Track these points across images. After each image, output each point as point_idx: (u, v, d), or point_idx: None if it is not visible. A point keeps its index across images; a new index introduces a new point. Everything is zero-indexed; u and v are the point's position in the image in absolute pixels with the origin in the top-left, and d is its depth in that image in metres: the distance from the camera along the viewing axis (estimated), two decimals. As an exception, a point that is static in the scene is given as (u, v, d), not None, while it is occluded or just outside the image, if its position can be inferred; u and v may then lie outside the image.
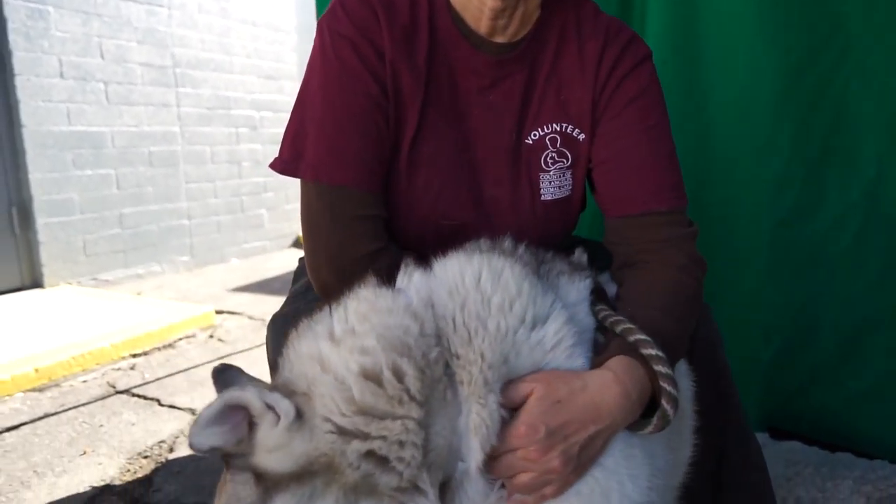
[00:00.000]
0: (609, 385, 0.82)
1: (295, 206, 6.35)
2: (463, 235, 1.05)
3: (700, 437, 1.07)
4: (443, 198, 1.09)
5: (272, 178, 6.13)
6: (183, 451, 2.25)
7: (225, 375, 0.87)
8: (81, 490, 2.00)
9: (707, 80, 1.79)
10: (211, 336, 3.60)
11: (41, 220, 4.25)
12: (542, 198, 1.11)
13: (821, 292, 1.74)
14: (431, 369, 0.77)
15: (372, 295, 0.81)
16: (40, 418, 2.55)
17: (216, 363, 2.94)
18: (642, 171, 1.06)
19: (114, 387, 2.87)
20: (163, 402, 2.68)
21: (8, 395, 2.74)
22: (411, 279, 0.87)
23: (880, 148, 1.64)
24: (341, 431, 0.74)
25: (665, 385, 0.84)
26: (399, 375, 0.75)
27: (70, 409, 2.64)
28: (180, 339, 3.53)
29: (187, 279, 5.10)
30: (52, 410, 2.62)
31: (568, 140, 1.10)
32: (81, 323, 3.50)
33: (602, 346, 0.90)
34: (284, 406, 0.74)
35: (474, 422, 0.77)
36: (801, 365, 1.79)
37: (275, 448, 0.74)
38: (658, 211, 1.04)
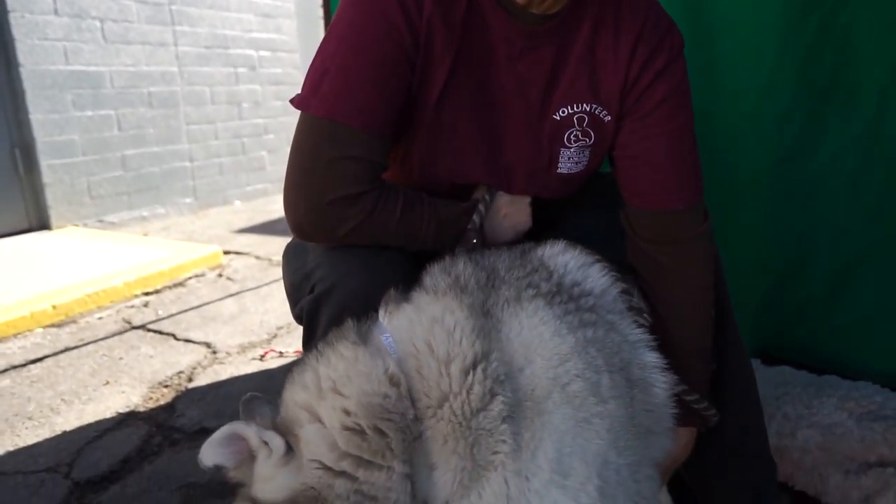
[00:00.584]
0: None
1: (296, 148, 6.34)
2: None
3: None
4: (460, 160, 1.12)
5: (272, 119, 6.09)
6: (201, 381, 2.36)
7: (251, 405, 0.94)
8: (108, 416, 2.11)
9: (713, 13, 1.79)
10: (220, 275, 3.68)
11: (45, 162, 4.26)
12: (559, 171, 1.15)
13: (817, 226, 1.78)
14: (410, 429, 0.84)
15: (352, 355, 0.86)
16: (62, 351, 2.65)
17: (227, 300, 3.05)
18: (666, 171, 1.09)
19: (129, 323, 2.97)
20: (178, 337, 2.78)
21: (28, 331, 2.84)
22: (390, 324, 0.92)
23: (883, 84, 1.65)
24: (328, 469, 0.82)
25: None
26: (381, 434, 0.82)
27: (89, 343, 2.74)
28: (190, 277, 3.61)
29: (192, 221, 5.15)
30: (73, 344, 2.72)
31: (595, 121, 1.11)
32: (93, 262, 3.57)
33: None
34: (277, 442, 0.82)
35: (442, 480, 0.84)
36: (795, 295, 1.86)
37: (267, 479, 0.84)
38: (676, 210, 1.09)
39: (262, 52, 5.89)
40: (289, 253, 1.20)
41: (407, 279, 1.05)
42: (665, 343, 1.04)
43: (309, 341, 1.07)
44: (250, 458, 0.86)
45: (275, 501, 0.83)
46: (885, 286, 1.74)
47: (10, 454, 1.90)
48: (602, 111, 1.10)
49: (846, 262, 1.79)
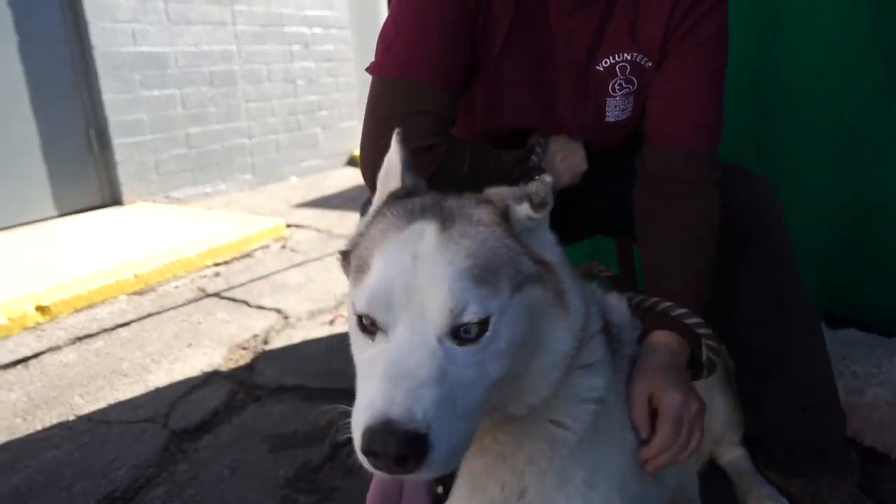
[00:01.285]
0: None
1: (348, 125, 6.45)
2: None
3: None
4: (518, 112, 1.20)
5: (325, 96, 6.21)
6: (276, 343, 2.50)
7: None
8: (194, 374, 2.27)
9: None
10: (283, 247, 3.83)
11: (117, 141, 4.49)
12: (606, 119, 1.21)
13: (885, 184, 1.77)
14: None
15: None
16: (146, 317, 2.84)
17: (292, 270, 3.20)
18: (694, 111, 1.14)
19: (203, 291, 3.14)
20: (251, 304, 2.94)
21: (114, 298, 3.05)
22: None
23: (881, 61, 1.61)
24: None
25: (709, 342, 1.05)
26: None
27: (169, 309, 2.92)
28: (256, 249, 3.78)
29: (251, 196, 5.34)
30: (154, 311, 2.91)
31: (636, 68, 1.16)
32: (166, 235, 3.77)
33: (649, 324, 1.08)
34: None
35: None
36: (862, 255, 1.85)
37: None
38: (696, 151, 1.14)
39: (315, 30, 5.99)
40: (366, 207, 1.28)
41: None
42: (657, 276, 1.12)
43: None
44: None
45: None
46: None
47: (111, 406, 2.08)
48: (643, 58, 1.15)
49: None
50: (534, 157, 1.19)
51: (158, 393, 2.15)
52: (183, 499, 1.61)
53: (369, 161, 1.09)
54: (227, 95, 5.26)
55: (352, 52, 6.35)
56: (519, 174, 1.16)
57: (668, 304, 1.05)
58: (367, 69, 1.15)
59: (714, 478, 1.45)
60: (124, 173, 4.58)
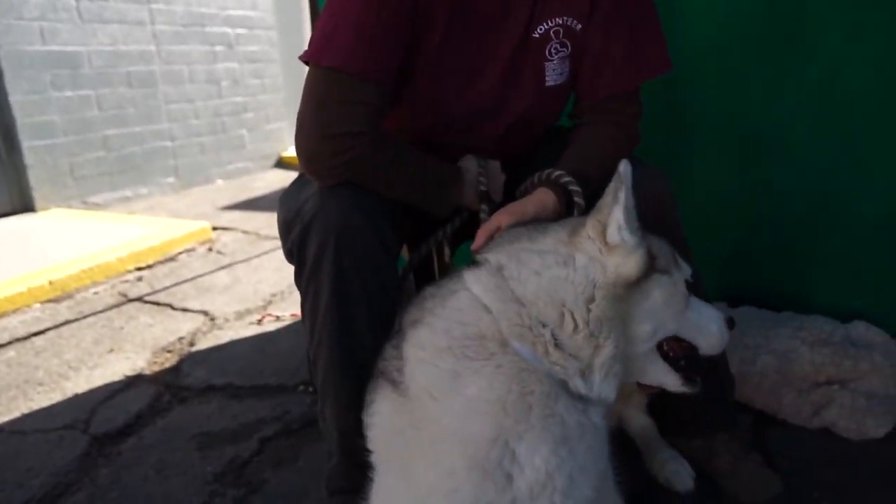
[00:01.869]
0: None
1: (276, 127, 6.37)
2: (473, 125, 1.29)
3: None
4: (465, 90, 1.26)
5: (251, 97, 6.11)
6: (203, 345, 2.47)
7: None
8: (116, 379, 2.22)
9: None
10: (210, 249, 3.76)
11: (26, 144, 4.27)
12: (546, 83, 1.30)
13: (778, 174, 1.93)
14: None
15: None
16: (63, 324, 2.74)
17: (219, 272, 3.17)
18: (622, 60, 1.27)
19: (125, 296, 3.06)
20: (175, 307, 2.88)
21: (26, 306, 2.92)
22: None
23: (844, 33, 1.75)
24: None
25: (574, 188, 1.17)
26: None
27: (88, 315, 2.83)
28: (181, 252, 3.69)
29: (175, 200, 5.20)
30: (72, 317, 2.81)
31: (569, 31, 1.26)
32: (84, 240, 3.63)
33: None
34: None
35: None
36: (757, 241, 2.01)
37: None
38: (621, 92, 1.30)
39: (239, 30, 5.89)
40: (283, 196, 1.28)
41: (393, 219, 1.19)
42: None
43: (300, 272, 1.15)
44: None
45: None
46: (841, 233, 1.89)
47: (26, 416, 2.01)
48: (574, 21, 1.25)
49: (805, 211, 1.93)
50: (481, 183, 1.28)
51: (77, 399, 2.09)
52: (106, 501, 1.58)
53: (305, 144, 1.13)
54: (146, 97, 5.10)
55: (277, 53, 6.27)
56: (442, 196, 1.27)
57: (558, 172, 1.19)
58: (302, 56, 1.16)
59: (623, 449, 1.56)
60: (35, 178, 4.37)
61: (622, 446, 1.53)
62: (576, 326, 0.89)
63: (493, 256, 0.97)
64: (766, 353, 1.73)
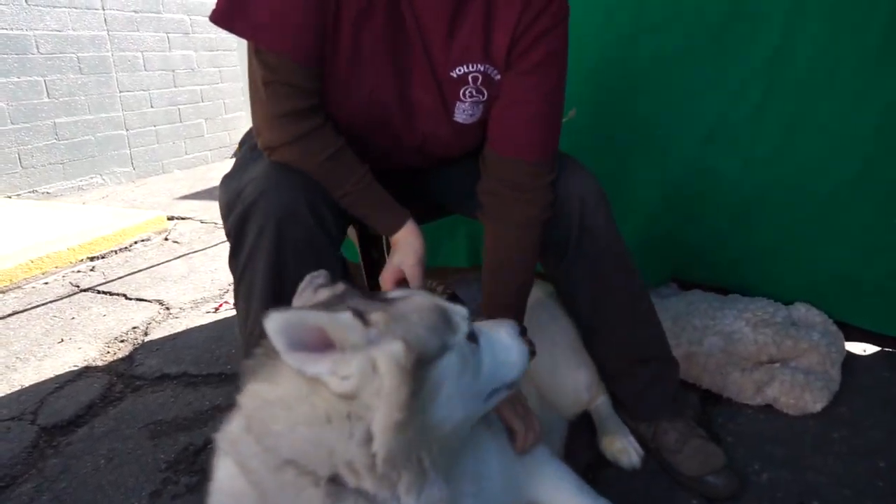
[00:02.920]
0: None
1: (234, 116, 6.26)
2: (390, 127, 1.26)
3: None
4: (374, 93, 1.21)
5: (208, 86, 5.99)
6: (157, 334, 2.43)
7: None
8: (67, 370, 2.17)
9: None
10: (166, 239, 3.69)
11: (-29, 131, 4.12)
12: (454, 118, 1.27)
13: (722, 160, 1.98)
14: None
15: None
16: (10, 315, 2.66)
17: (175, 262, 3.12)
18: (530, 127, 1.23)
19: (77, 286, 2.98)
20: (129, 297, 2.83)
21: (-29, 298, 2.82)
22: None
23: (787, 11, 1.76)
24: None
25: None
26: None
27: (38, 306, 2.75)
28: (136, 242, 3.61)
29: (131, 190, 5.07)
30: (21, 308, 2.73)
31: (487, 80, 1.23)
32: (34, 229, 3.52)
33: None
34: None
35: None
36: (703, 228, 2.07)
37: None
38: (529, 161, 1.24)
39: (196, 17, 5.76)
40: (226, 177, 1.25)
41: (338, 205, 1.18)
42: (491, 271, 1.28)
43: (236, 255, 1.14)
44: None
45: None
46: (784, 216, 1.95)
47: (-29, 408, 1.95)
48: (494, 70, 1.22)
49: (746, 198, 2.00)
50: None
51: (26, 390, 2.04)
52: (54, 492, 1.55)
53: (252, 112, 1.16)
54: (99, 84, 4.95)
55: (235, 41, 6.14)
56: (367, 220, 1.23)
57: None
58: (210, 16, 1.11)
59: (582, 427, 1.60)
60: (-19, 166, 4.21)
61: (581, 419, 1.58)
62: (360, 474, 0.70)
63: (243, 403, 0.76)
64: (713, 335, 1.79)
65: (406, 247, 1.17)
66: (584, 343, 1.53)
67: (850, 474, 1.45)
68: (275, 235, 1.08)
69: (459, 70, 1.21)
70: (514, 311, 1.27)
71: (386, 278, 1.15)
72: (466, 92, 1.23)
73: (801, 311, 1.90)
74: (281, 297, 1.10)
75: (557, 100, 1.26)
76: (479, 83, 1.22)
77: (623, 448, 1.48)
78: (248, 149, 1.34)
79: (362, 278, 1.76)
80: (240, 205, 1.10)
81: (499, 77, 1.23)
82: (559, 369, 1.53)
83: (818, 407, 1.65)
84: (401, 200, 1.26)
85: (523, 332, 0.98)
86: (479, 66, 1.20)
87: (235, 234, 1.12)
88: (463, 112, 1.26)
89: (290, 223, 1.08)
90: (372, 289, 1.75)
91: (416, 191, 1.52)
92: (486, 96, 1.24)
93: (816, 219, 1.91)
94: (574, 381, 1.55)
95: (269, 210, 1.08)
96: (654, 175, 2.03)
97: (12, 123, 4.36)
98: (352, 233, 1.67)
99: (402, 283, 1.17)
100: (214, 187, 5.14)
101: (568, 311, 1.51)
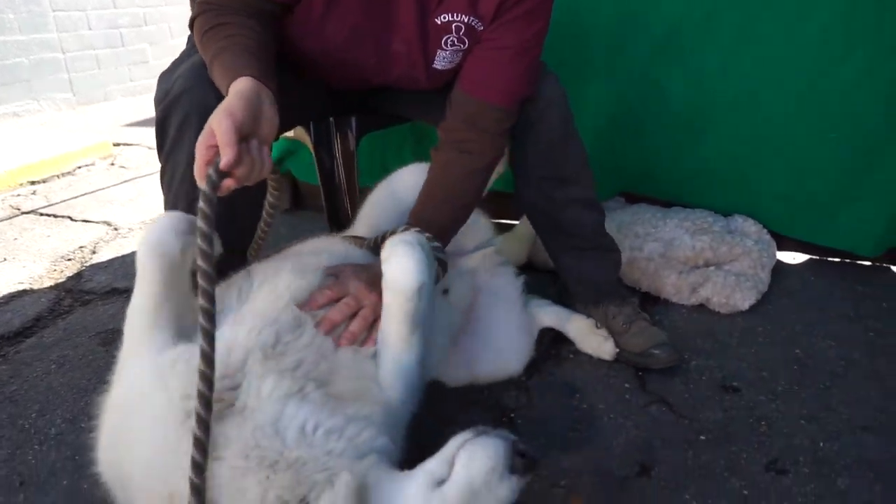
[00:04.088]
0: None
1: (180, 41, 5.98)
2: (360, 71, 1.32)
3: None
4: (352, 41, 1.25)
5: (152, 8, 5.69)
6: (106, 254, 2.39)
7: None
8: (12, 287, 2.13)
9: None
10: (112, 164, 3.58)
11: None
12: (434, 66, 1.32)
13: (671, 73, 2.01)
14: None
15: None
16: (-52, 236, 2.57)
17: (122, 186, 3.04)
18: (507, 75, 1.27)
19: (18, 209, 2.88)
20: (75, 218, 2.75)
21: None
22: None
23: None
24: None
25: (437, 253, 1.17)
26: None
27: (-23, 228, 2.66)
28: (79, 167, 3.49)
29: (72, 117, 4.85)
30: (-41, 230, 2.64)
31: (470, 31, 1.26)
32: (-34, 153, 3.37)
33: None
34: None
35: None
36: (650, 141, 2.12)
37: None
38: (497, 106, 1.28)
39: (133, -70, 5.41)
40: (161, 74, 1.26)
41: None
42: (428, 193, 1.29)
43: (161, 145, 1.20)
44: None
45: None
46: (728, 133, 2.01)
47: (-89, 322, 1.91)
48: (477, 22, 1.26)
49: (693, 115, 2.04)
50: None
51: (-31, 306, 2.00)
52: (4, 395, 1.55)
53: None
54: (27, 2, 4.64)
55: (179, -41, 5.83)
56: None
57: (409, 228, 1.18)
58: None
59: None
60: None
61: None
62: None
63: None
64: (653, 241, 1.88)
65: (223, 102, 0.99)
66: (536, 230, 1.61)
67: (769, 360, 1.58)
68: (195, 128, 1.10)
69: (444, 17, 1.24)
70: (436, 229, 1.25)
71: (198, 141, 0.94)
72: (448, 40, 1.27)
73: (738, 221, 1.99)
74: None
75: (534, 50, 1.29)
76: (461, 33, 1.26)
77: (598, 344, 1.57)
78: (188, 46, 1.33)
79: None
80: (166, 99, 1.16)
81: (481, 28, 1.26)
82: (501, 342, 1.54)
83: (746, 305, 1.77)
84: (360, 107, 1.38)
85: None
86: (463, 16, 1.24)
87: (161, 126, 1.18)
88: (442, 59, 1.30)
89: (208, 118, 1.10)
90: (330, 205, 1.77)
91: (364, 102, 1.58)
92: (466, 45, 1.28)
93: (759, 136, 1.98)
94: (507, 358, 1.55)
95: (191, 104, 1.13)
96: (601, 91, 2.05)
97: (-64, 42, 4.09)
98: (303, 136, 1.66)
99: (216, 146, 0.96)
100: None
101: (517, 197, 1.56)
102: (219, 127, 0.89)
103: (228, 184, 0.89)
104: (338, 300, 1.06)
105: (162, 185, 1.26)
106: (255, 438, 0.82)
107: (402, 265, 1.00)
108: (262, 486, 0.80)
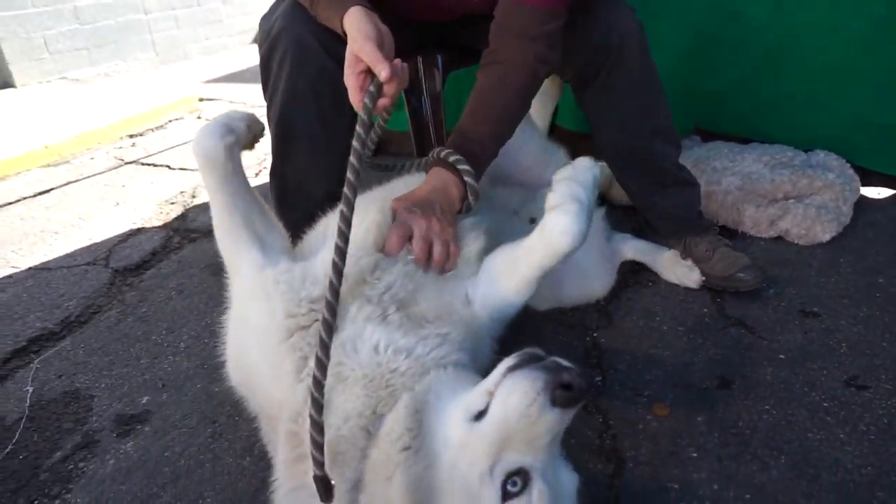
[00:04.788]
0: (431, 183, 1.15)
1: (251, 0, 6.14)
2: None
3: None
4: None
5: (223, -34, 5.84)
6: (204, 197, 2.59)
7: None
8: (127, 227, 2.35)
9: None
10: (199, 118, 3.79)
11: (-4, 14, 4.14)
12: None
13: (751, 3, 1.98)
14: None
15: None
16: (65, 185, 2.83)
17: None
18: None
19: (122, 160, 3.13)
20: (172, 167, 2.97)
21: (26, 170, 2.99)
22: None
23: None
24: None
25: (467, 179, 1.13)
26: None
27: (89, 177, 2.91)
28: (170, 120, 3.72)
29: (155, 76, 5.11)
30: (74, 179, 2.89)
31: None
32: (72, 110, 3.64)
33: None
34: None
35: None
36: (728, 74, 2.10)
37: None
38: (534, 6, 1.20)
39: None
40: (262, 18, 1.37)
41: None
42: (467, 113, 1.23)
43: (266, 82, 1.33)
44: None
45: None
46: (810, 61, 1.97)
47: (48, 257, 2.15)
48: None
49: (773, 44, 2.01)
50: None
51: (94, 243, 2.23)
52: (137, 315, 1.76)
53: None
54: (114, -36, 4.87)
55: (248, -84, 5.93)
56: None
57: (446, 151, 1.16)
58: None
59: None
60: (10, 51, 4.27)
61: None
62: None
63: None
64: (731, 175, 1.89)
65: (353, 31, 1.05)
66: (613, 170, 1.65)
67: (851, 288, 1.59)
68: (290, 63, 1.26)
69: None
70: (478, 147, 1.21)
71: (347, 72, 1.04)
72: None
73: (820, 155, 1.97)
74: (295, 123, 1.34)
75: None
76: None
77: (684, 273, 1.62)
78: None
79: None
80: (268, 39, 1.29)
81: None
82: (585, 267, 1.56)
83: (827, 237, 1.77)
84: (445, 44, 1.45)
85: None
86: None
87: (264, 64, 1.32)
88: None
89: (304, 54, 1.24)
90: (418, 144, 1.86)
91: (445, 38, 1.62)
92: None
93: (843, 63, 1.93)
94: (591, 282, 1.60)
95: (288, 41, 1.24)
96: (677, 24, 2.04)
97: (34, 7, 4.36)
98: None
99: (365, 71, 1.05)
100: (239, 72, 5.18)
101: (596, 140, 1.59)
102: (362, 51, 0.98)
103: (384, 102, 1.00)
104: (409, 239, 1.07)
105: (268, 119, 1.39)
106: (337, 355, 0.89)
107: (567, 226, 0.97)
108: (340, 397, 0.87)
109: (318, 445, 0.80)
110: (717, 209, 1.88)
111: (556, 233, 0.98)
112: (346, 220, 0.91)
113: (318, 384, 0.82)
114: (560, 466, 0.78)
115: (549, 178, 1.05)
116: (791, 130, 2.06)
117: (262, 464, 1.19)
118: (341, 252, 0.90)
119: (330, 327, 0.86)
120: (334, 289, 0.89)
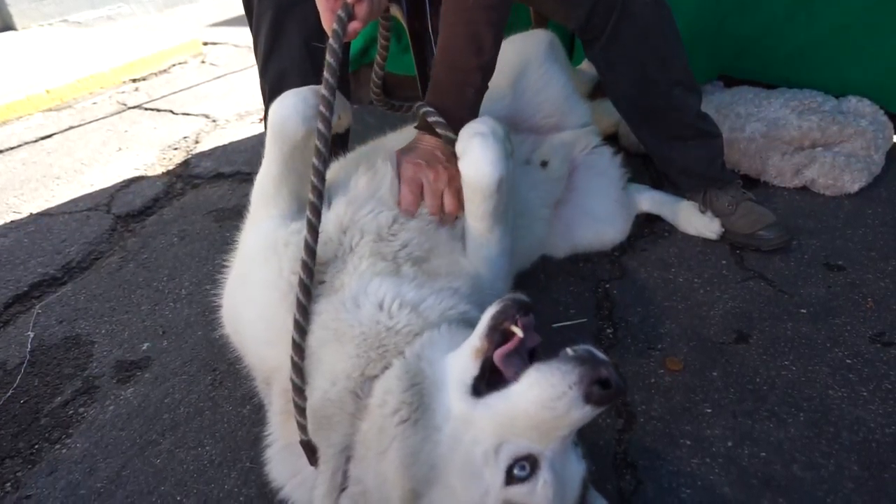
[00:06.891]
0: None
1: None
2: None
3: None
4: None
5: None
6: (207, 143, 2.52)
7: None
8: (129, 173, 2.30)
9: None
10: (202, 62, 3.68)
11: (-6, -47, 4.01)
12: None
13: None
14: None
15: None
16: (68, 129, 2.77)
17: (214, 82, 3.12)
18: None
19: (124, 104, 3.05)
20: (176, 112, 2.90)
21: (28, 115, 2.93)
22: None
23: None
24: None
25: (440, 131, 1.04)
26: None
27: (92, 122, 2.85)
28: (174, 65, 3.62)
29: (159, 19, 4.97)
30: (76, 124, 2.83)
31: None
32: (73, 54, 3.54)
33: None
34: None
35: None
36: (757, 16, 1.97)
37: None
38: None
39: None
40: None
41: None
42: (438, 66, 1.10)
43: (250, 21, 1.35)
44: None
45: None
46: (840, 6, 1.84)
47: (50, 203, 2.11)
48: None
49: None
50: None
51: (96, 189, 2.19)
52: (138, 262, 1.73)
53: None
54: None
55: None
56: None
57: (426, 109, 1.07)
58: None
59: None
60: (10, -8, 4.15)
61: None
62: None
63: None
64: (756, 121, 1.79)
65: None
66: (629, 125, 1.55)
67: (879, 241, 1.52)
68: None
69: None
70: (455, 91, 1.09)
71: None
72: None
73: (852, 101, 1.86)
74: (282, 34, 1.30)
75: None
76: None
77: (705, 224, 1.56)
78: None
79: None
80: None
81: None
82: (599, 211, 1.53)
83: (855, 187, 1.69)
84: None
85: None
86: None
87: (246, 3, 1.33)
88: None
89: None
90: (423, 78, 1.76)
91: None
92: None
93: (879, 4, 1.80)
94: (605, 227, 1.55)
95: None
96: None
97: (33, -55, 4.22)
98: (396, 11, 1.65)
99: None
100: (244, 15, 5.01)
101: (610, 95, 1.50)
102: None
103: (355, 26, 0.92)
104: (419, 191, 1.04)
105: (256, 57, 1.35)
106: (336, 311, 0.86)
107: (478, 161, 0.95)
108: (333, 356, 0.83)
109: (301, 410, 0.79)
110: (739, 157, 1.79)
111: (473, 174, 0.96)
112: (323, 158, 0.87)
113: (298, 347, 0.81)
114: (570, 455, 0.73)
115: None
116: (822, 76, 1.94)
117: (261, 413, 1.16)
118: (315, 209, 0.87)
119: (308, 289, 0.85)
120: (310, 249, 0.86)
